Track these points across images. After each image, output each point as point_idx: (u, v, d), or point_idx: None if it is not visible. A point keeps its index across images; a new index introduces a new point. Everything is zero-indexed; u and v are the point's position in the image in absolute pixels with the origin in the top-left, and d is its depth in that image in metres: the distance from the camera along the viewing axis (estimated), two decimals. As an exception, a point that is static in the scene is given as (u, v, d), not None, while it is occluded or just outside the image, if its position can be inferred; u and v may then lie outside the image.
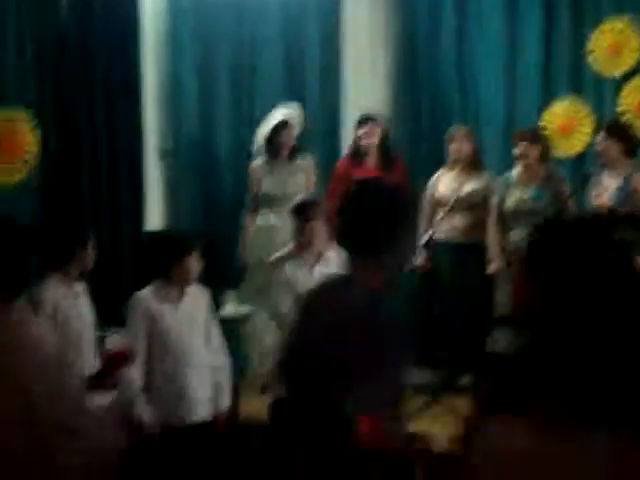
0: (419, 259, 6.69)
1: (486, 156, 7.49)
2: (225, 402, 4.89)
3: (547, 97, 7.79)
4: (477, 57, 8.02)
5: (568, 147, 7.73)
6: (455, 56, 8.07)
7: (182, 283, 4.79)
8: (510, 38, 7.90)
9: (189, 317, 4.80)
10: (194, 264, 4.79)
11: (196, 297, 4.87)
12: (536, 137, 6.65)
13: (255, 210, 6.92)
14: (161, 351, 4.72)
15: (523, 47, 7.88)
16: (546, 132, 7.61)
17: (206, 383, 4.82)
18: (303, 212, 5.21)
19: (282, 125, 6.83)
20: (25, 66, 6.18)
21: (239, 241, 6.94)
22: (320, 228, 5.15)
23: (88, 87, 6.49)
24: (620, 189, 6.21)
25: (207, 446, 4.78)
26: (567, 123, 7.72)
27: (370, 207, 2.89)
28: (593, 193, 6.35)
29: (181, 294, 4.80)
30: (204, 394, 4.80)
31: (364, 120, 7.06)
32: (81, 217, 6.22)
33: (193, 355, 4.79)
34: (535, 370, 1.88)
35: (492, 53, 7.96)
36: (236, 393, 5.38)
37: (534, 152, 6.56)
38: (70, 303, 4.79)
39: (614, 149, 6.28)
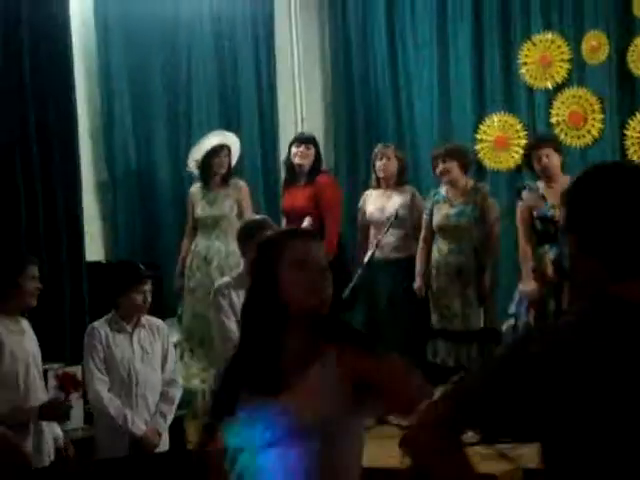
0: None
1: (422, 174, 7.61)
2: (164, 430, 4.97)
3: (481, 111, 7.91)
4: (410, 74, 8.13)
5: (503, 160, 7.85)
6: (389, 76, 8.18)
7: (132, 313, 4.88)
8: (442, 55, 8.02)
9: (143, 348, 4.90)
10: (143, 294, 4.87)
11: (152, 328, 4.96)
12: (450, 153, 6.68)
13: (192, 235, 6.96)
14: (114, 381, 4.85)
15: (455, 63, 8.00)
16: (481, 146, 7.78)
17: (151, 415, 4.91)
18: (252, 234, 5.16)
19: (214, 151, 6.86)
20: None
21: (176, 267, 6.97)
22: None
23: (22, 122, 6.47)
24: None
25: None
26: (501, 137, 7.83)
27: None
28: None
29: (135, 325, 4.88)
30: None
31: (298, 140, 7.12)
32: (14, 252, 6.12)
33: (143, 386, 4.89)
34: None
35: (425, 69, 8.08)
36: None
37: (452, 168, 6.62)
38: (15, 339, 4.77)
39: (557, 161, 6.37)
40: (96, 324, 4.99)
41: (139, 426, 4.85)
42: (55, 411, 4.65)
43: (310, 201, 6.88)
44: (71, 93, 6.68)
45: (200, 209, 6.89)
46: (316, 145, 7.12)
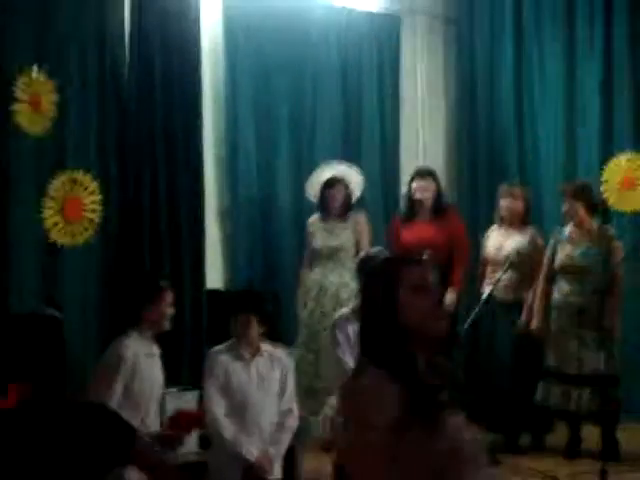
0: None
1: (544, 213, 7.50)
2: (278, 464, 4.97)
3: (608, 151, 7.77)
4: (536, 112, 8.05)
5: (630, 202, 7.68)
6: (514, 112, 8.11)
7: (242, 340, 4.93)
8: (569, 93, 7.93)
9: (260, 376, 4.95)
10: (249, 324, 4.93)
11: (272, 357, 5.00)
12: (578, 193, 6.54)
13: (309, 265, 7.00)
14: (230, 406, 4.88)
15: (583, 101, 7.90)
16: (606, 187, 7.62)
17: (265, 443, 4.93)
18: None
19: (329, 183, 6.91)
20: (87, 130, 6.36)
21: (296, 297, 7.00)
22: None
23: (149, 149, 6.64)
24: None
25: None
26: (629, 177, 7.67)
27: None
28: None
29: (255, 353, 4.95)
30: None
31: (419, 174, 7.10)
32: (152, 276, 6.26)
33: (258, 413, 4.93)
34: None
35: (551, 108, 7.98)
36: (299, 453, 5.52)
37: (579, 208, 6.50)
38: (147, 362, 4.88)
39: None
40: (216, 349, 5.07)
41: (252, 452, 4.88)
42: (169, 444, 4.73)
43: (440, 235, 6.88)
44: (199, 122, 6.85)
45: (319, 240, 6.93)
46: (436, 179, 7.10)
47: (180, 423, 4.74)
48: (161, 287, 4.98)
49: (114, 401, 4.64)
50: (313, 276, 6.92)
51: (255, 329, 4.99)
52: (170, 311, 4.95)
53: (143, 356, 4.82)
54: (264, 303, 5.13)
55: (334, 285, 6.80)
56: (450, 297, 6.78)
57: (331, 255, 6.88)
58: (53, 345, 2.97)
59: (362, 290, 2.70)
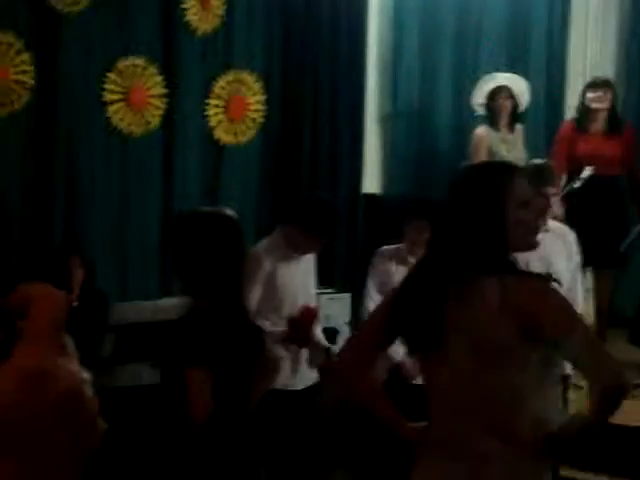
0: None
1: None
2: None
3: None
4: None
5: None
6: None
7: (414, 246, 4.88)
8: None
9: None
10: (424, 229, 4.87)
11: None
12: None
13: None
14: None
15: None
16: None
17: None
18: (540, 177, 5.05)
19: (493, 93, 6.75)
20: (255, 34, 6.44)
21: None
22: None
23: (313, 53, 6.69)
24: None
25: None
26: None
27: None
28: None
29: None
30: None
31: (595, 84, 6.80)
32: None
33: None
34: None
35: None
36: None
37: None
38: (290, 268, 4.88)
39: None
40: (384, 249, 5.05)
41: (398, 352, 4.88)
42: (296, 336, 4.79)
43: (614, 148, 6.56)
44: (363, 25, 6.85)
45: (504, 150, 6.76)
46: (613, 90, 6.81)
47: (304, 321, 4.74)
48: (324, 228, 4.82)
49: (254, 301, 4.66)
50: None
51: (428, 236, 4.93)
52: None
53: (286, 262, 4.79)
54: (437, 211, 5.03)
55: None
56: None
57: None
58: (234, 246, 3.00)
59: (461, 198, 2.67)
